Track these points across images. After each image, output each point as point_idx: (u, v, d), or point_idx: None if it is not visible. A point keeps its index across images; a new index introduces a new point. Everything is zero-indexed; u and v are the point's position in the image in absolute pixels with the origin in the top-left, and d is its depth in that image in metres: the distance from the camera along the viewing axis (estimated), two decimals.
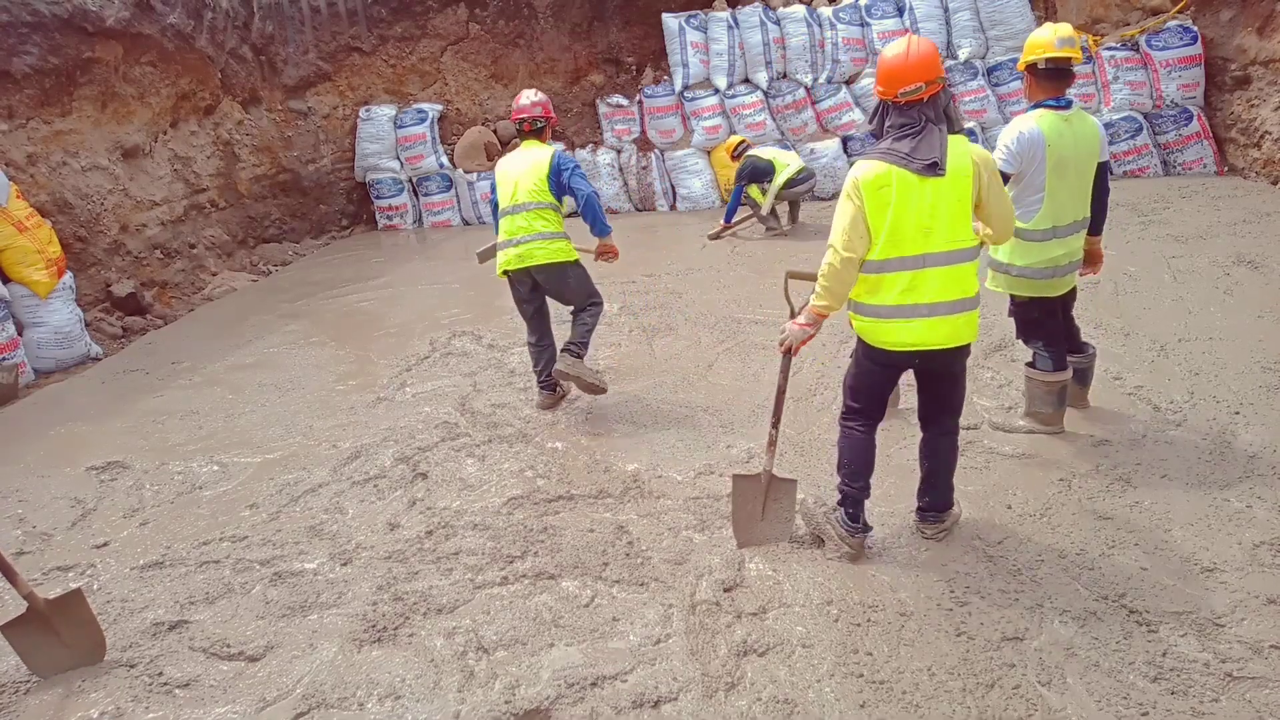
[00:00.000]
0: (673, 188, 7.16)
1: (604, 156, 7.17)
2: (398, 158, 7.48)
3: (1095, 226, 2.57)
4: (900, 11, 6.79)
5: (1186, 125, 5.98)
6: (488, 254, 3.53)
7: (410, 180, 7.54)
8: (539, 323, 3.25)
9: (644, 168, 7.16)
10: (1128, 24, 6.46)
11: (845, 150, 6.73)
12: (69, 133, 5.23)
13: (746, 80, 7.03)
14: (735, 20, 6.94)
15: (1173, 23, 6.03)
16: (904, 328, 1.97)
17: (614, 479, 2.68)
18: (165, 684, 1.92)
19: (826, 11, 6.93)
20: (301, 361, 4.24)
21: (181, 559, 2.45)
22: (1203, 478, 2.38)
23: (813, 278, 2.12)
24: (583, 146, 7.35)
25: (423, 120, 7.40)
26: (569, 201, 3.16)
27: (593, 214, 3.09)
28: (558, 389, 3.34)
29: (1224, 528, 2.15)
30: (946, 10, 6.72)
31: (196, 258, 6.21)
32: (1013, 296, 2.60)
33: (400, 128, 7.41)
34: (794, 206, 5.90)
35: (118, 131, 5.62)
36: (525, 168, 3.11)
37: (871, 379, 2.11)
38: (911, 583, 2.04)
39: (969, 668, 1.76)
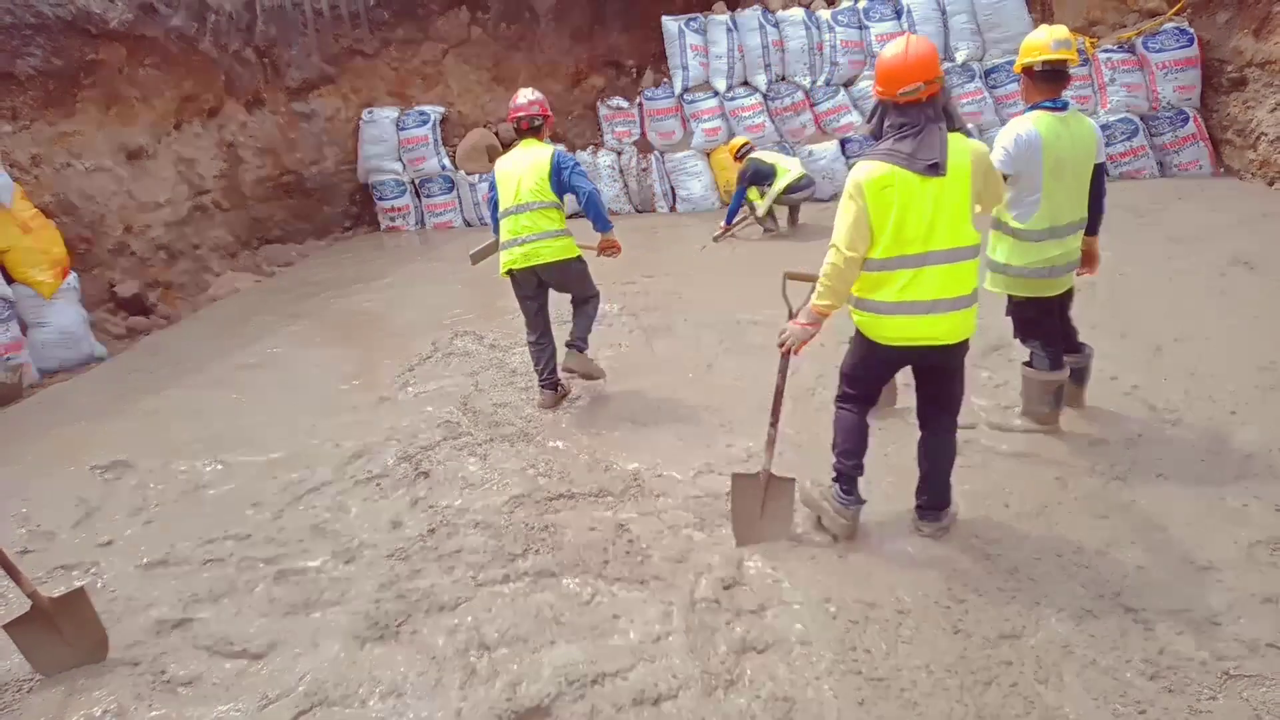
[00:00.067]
0: (672, 189, 7.18)
1: (604, 158, 7.20)
2: (400, 160, 7.51)
3: (1092, 227, 2.58)
4: (898, 14, 6.82)
5: (1183, 127, 6.00)
6: (482, 254, 3.56)
7: (413, 182, 7.56)
8: (541, 320, 3.27)
9: (644, 170, 7.19)
10: (1124, 26, 6.49)
11: (843, 152, 6.76)
12: (73, 134, 5.26)
13: (745, 83, 7.05)
14: (734, 23, 6.97)
15: (1169, 25, 6.05)
16: (904, 323, 1.99)
17: (615, 478, 2.69)
18: (168, 682, 1.93)
19: (825, 14, 6.95)
20: (305, 361, 4.25)
21: (185, 557, 2.47)
22: (1199, 477, 2.40)
23: (811, 278, 2.13)
24: (583, 148, 7.38)
25: (425, 122, 7.43)
26: (570, 200, 3.19)
27: (595, 211, 3.13)
28: (559, 388, 3.36)
29: (1220, 526, 2.16)
30: (944, 13, 6.74)
31: (200, 258, 6.23)
32: (1010, 296, 2.62)
33: (403, 130, 7.44)
34: (793, 210, 5.93)
35: (122, 133, 5.65)
36: (526, 167, 3.13)
37: (868, 369, 2.15)
38: (909, 581, 2.05)
39: (966, 665, 1.77)
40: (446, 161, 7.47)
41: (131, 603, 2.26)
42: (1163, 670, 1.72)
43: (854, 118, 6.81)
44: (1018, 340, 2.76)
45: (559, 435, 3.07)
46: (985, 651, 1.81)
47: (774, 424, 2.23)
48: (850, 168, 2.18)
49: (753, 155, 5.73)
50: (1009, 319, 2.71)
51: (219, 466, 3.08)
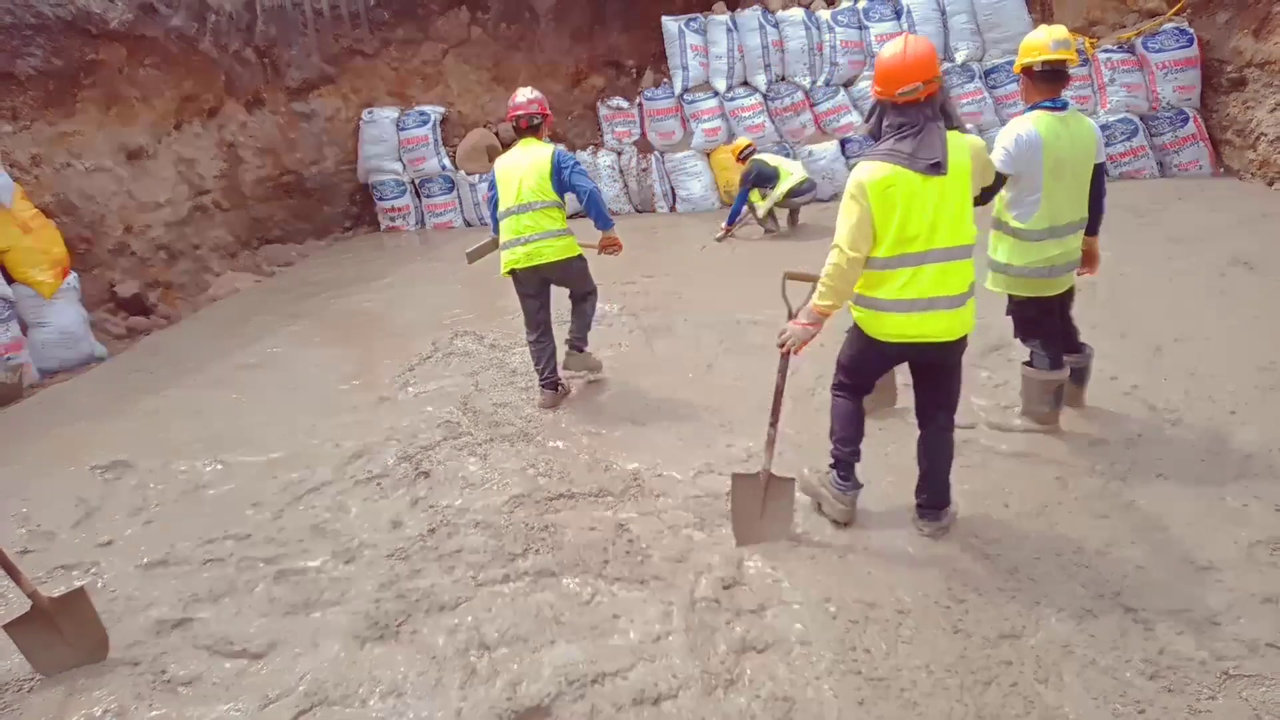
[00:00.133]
0: (672, 190, 7.18)
1: (604, 158, 7.20)
2: (400, 160, 7.51)
3: (1092, 227, 2.58)
4: (898, 14, 6.82)
5: (1183, 127, 6.00)
6: (479, 253, 3.57)
7: (413, 182, 7.56)
8: (542, 319, 3.29)
9: (644, 170, 7.19)
10: (1124, 26, 6.49)
11: (843, 152, 6.76)
12: (73, 134, 5.26)
13: (745, 83, 7.05)
14: (734, 23, 6.97)
15: (1169, 25, 6.06)
16: (903, 320, 2.00)
17: (615, 477, 2.70)
18: (169, 681, 1.93)
19: (825, 14, 6.96)
20: (305, 361, 4.26)
21: (185, 557, 2.47)
22: (1199, 477, 2.40)
23: (811, 278, 2.13)
24: (583, 148, 7.38)
25: (425, 122, 7.43)
26: (570, 199, 3.21)
27: (596, 209, 3.16)
28: (559, 388, 3.36)
29: (1220, 526, 2.16)
30: (944, 13, 6.74)
31: (200, 258, 6.23)
32: (1010, 296, 2.62)
33: (403, 130, 7.44)
34: (794, 210, 5.94)
35: (122, 133, 5.65)
36: (527, 167, 3.14)
37: (865, 362, 2.19)
38: (909, 580, 2.05)
39: (966, 665, 1.77)
40: (446, 161, 7.47)
41: (131, 602, 2.26)
42: (1162, 670, 1.72)
43: (854, 118, 6.81)
44: (1018, 340, 2.76)
45: (559, 435, 3.07)
46: (985, 651, 1.81)
47: (774, 424, 2.23)
48: (850, 168, 2.19)
49: (756, 157, 5.75)
50: (1009, 319, 2.71)
51: (219, 466, 3.08)
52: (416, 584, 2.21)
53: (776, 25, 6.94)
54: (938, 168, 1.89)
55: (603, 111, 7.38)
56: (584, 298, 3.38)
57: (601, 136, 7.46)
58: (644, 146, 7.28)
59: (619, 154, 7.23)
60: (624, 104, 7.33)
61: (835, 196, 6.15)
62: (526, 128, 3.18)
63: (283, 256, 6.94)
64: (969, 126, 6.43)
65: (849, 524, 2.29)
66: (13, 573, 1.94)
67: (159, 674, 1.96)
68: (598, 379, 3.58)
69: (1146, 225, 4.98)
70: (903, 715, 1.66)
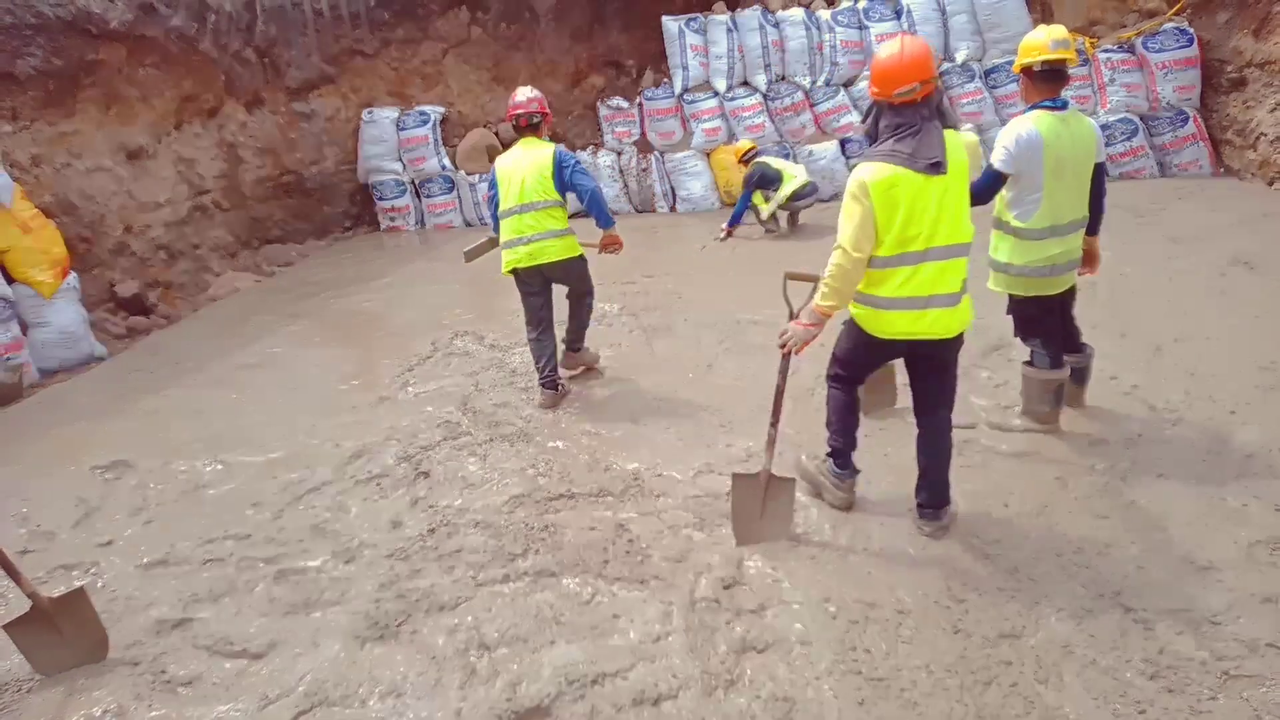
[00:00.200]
0: (672, 189, 7.18)
1: (604, 158, 7.20)
2: (400, 160, 7.50)
3: (1093, 227, 2.58)
4: (898, 14, 6.82)
5: (1183, 127, 5.99)
6: (476, 252, 3.58)
7: (412, 182, 7.56)
8: (544, 315, 3.30)
9: (644, 170, 7.19)
10: (1124, 26, 6.49)
11: (843, 152, 6.76)
12: (73, 134, 5.26)
13: (745, 83, 7.05)
14: (734, 23, 6.97)
15: (1169, 25, 6.05)
16: (901, 318, 2.02)
17: (615, 478, 2.69)
18: (168, 682, 1.93)
19: (825, 14, 6.95)
20: (305, 361, 4.25)
21: (185, 557, 2.47)
22: (1199, 477, 2.40)
23: (812, 279, 2.14)
24: (583, 148, 7.38)
25: (425, 122, 7.43)
26: (571, 199, 3.22)
27: (597, 208, 3.18)
28: (559, 387, 3.37)
29: (1220, 526, 2.16)
30: (944, 13, 6.74)
31: (200, 258, 6.23)
32: (1011, 295, 2.62)
33: (402, 130, 7.44)
34: (794, 212, 5.95)
35: (122, 133, 5.65)
36: (529, 166, 3.14)
37: (860, 355, 2.22)
38: (910, 580, 2.05)
39: (966, 665, 1.77)
40: (446, 161, 7.47)
41: (131, 602, 2.26)
42: (1163, 670, 1.72)
43: (854, 118, 6.81)
44: (1018, 339, 2.76)
45: (559, 435, 3.07)
46: (985, 651, 1.81)
47: (774, 424, 2.23)
48: (850, 168, 2.20)
49: (759, 160, 5.76)
50: (1009, 318, 2.71)
51: (219, 466, 3.08)
52: (416, 584, 2.21)
53: (777, 25, 6.94)
54: (938, 167, 1.90)
55: (603, 111, 7.38)
56: (581, 298, 3.41)
57: (601, 136, 7.45)
58: (644, 146, 7.28)
59: (619, 154, 7.23)
60: (624, 104, 7.32)
61: (835, 196, 6.15)
62: (526, 126, 3.19)
63: (282, 256, 6.94)
64: (968, 126, 6.48)
65: (849, 510, 2.33)
66: (12, 573, 1.94)
67: (159, 674, 1.96)
68: (597, 377, 3.59)
69: (1146, 225, 4.98)
70: (903, 715, 1.66)
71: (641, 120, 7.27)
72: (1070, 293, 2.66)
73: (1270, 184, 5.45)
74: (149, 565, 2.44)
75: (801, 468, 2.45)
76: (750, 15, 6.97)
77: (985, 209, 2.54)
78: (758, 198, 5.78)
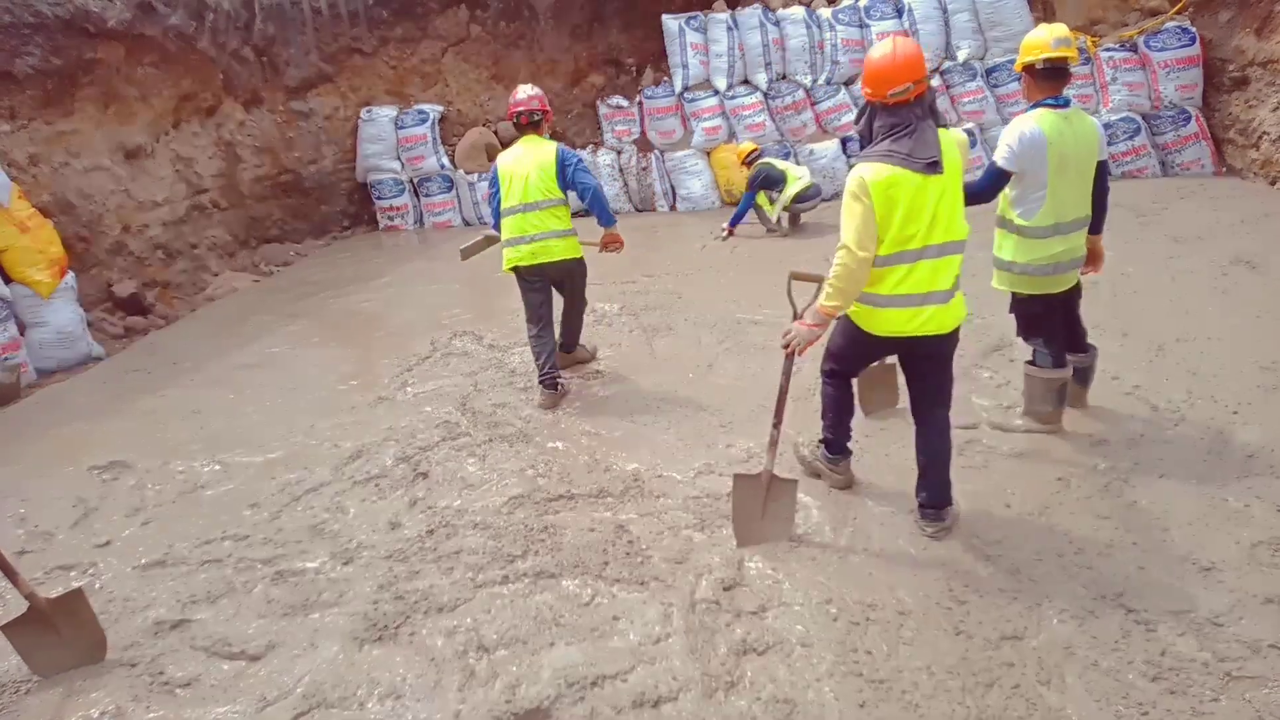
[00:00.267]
0: (673, 188, 7.17)
1: (604, 157, 7.18)
2: (399, 158, 7.49)
3: (1095, 225, 2.58)
4: (899, 13, 6.80)
5: (1185, 126, 5.98)
6: (472, 250, 3.59)
7: (411, 181, 7.55)
8: (544, 312, 3.32)
9: (644, 169, 7.18)
10: (1126, 25, 6.47)
11: (844, 151, 6.75)
12: (71, 133, 5.24)
13: (746, 81, 7.04)
14: (735, 22, 6.95)
15: (1171, 24, 6.04)
16: (897, 315, 2.04)
17: (614, 478, 2.69)
18: (166, 683, 1.93)
19: (826, 13, 6.94)
20: (303, 361, 4.24)
21: (183, 558, 2.46)
22: (1201, 477, 2.39)
23: (817, 279, 2.13)
24: (583, 147, 7.36)
25: (424, 121, 7.42)
26: (573, 198, 3.24)
27: (599, 206, 3.21)
28: (559, 386, 3.36)
29: (1222, 527, 2.16)
30: (945, 11, 6.73)
31: (198, 258, 6.22)
32: (1014, 293, 2.62)
33: (401, 129, 7.42)
34: (796, 213, 5.94)
35: (120, 132, 5.63)
36: (532, 165, 3.15)
37: (856, 352, 2.26)
38: (910, 581, 2.05)
39: (968, 667, 1.76)
40: (445, 160, 7.45)
41: (129, 604, 2.25)
42: (1165, 672, 1.71)
43: (855, 116, 6.80)
44: (1020, 339, 2.75)
45: (558, 435, 3.06)
46: (987, 653, 1.80)
47: (777, 424, 2.22)
48: (851, 168, 2.20)
49: (762, 161, 5.76)
50: (1012, 316, 2.70)
51: (217, 467, 3.07)
52: (415, 585, 2.20)
53: (777, 23, 6.92)
54: (936, 166, 1.92)
55: (602, 110, 7.37)
56: (575, 302, 3.45)
57: (601, 135, 7.44)
58: (644, 145, 7.26)
59: (619, 153, 7.22)
60: (624, 102, 7.31)
61: (837, 195, 6.13)
62: (527, 124, 3.21)
63: (281, 256, 6.93)
64: (970, 125, 6.46)
65: (849, 488, 2.45)
66: (10, 573, 1.93)
67: (156, 675, 1.96)
68: (597, 375, 3.58)
69: (1148, 224, 4.97)
70: (904, 717, 1.66)
71: (641, 119, 7.25)
72: (1075, 292, 2.66)
73: (1272, 183, 5.43)
74: (147, 566, 2.43)
75: (799, 456, 2.55)
76: (751, 13, 6.95)
77: (988, 207, 2.53)
78: (762, 199, 5.78)
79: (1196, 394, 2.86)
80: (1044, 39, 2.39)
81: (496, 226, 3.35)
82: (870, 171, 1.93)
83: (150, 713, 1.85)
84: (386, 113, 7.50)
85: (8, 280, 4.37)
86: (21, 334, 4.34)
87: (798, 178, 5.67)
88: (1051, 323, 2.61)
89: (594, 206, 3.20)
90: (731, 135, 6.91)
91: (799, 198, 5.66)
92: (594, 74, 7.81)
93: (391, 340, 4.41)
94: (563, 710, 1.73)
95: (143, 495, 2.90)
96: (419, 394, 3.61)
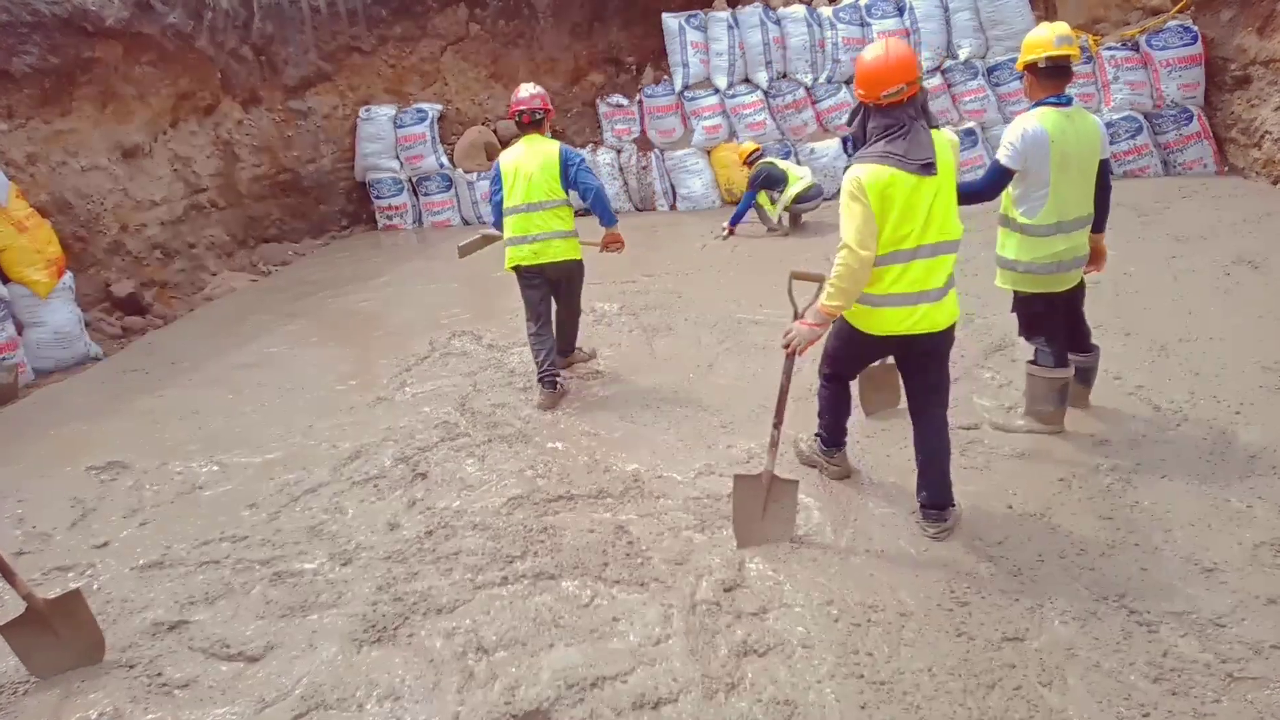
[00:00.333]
0: (673, 187, 7.16)
1: (604, 156, 7.17)
2: (397, 157, 7.48)
3: (1098, 224, 2.57)
4: (900, 11, 6.79)
5: (1187, 125, 5.97)
6: (470, 248, 3.59)
7: (410, 180, 7.54)
8: (544, 310, 3.33)
9: (644, 167, 7.16)
10: (1128, 24, 6.46)
11: (845, 150, 6.73)
12: (69, 132, 5.23)
13: (747, 80, 7.02)
14: (735, 20, 6.94)
15: (1173, 22, 6.03)
16: (893, 315, 2.05)
17: (614, 479, 2.68)
18: (164, 684, 1.92)
19: (826, 11, 6.93)
20: (301, 361, 4.23)
21: (181, 559, 2.45)
22: (1203, 477, 2.38)
23: (818, 278, 2.13)
24: (583, 146, 7.35)
25: (422, 120, 7.40)
26: (574, 198, 3.24)
27: (601, 206, 3.23)
28: (558, 385, 3.36)
29: (1224, 528, 2.15)
30: (946, 10, 6.71)
31: (196, 257, 6.21)
32: (1016, 292, 2.61)
33: (400, 127, 7.41)
34: (796, 213, 5.94)
35: (118, 131, 5.62)
36: (535, 165, 3.16)
37: (852, 353, 2.27)
38: (911, 583, 2.04)
39: (969, 668, 1.76)
40: (444, 159, 7.44)
41: (127, 605, 2.24)
42: (1166, 673, 1.70)
43: None
44: (1022, 338, 2.74)
45: (558, 436, 3.05)
46: (988, 654, 1.79)
47: (778, 425, 2.22)
48: (847, 169, 2.21)
49: (764, 160, 5.75)
50: (1013, 316, 2.70)
51: (215, 467, 3.06)
52: (414, 586, 2.19)
53: (778, 22, 6.91)
54: (930, 168, 1.94)
55: (602, 109, 7.35)
56: (570, 308, 3.46)
57: (601, 134, 7.43)
58: (644, 144, 7.25)
59: (619, 152, 7.21)
60: (624, 101, 7.29)
61: (838, 194, 6.12)
62: (529, 123, 3.21)
63: (279, 255, 6.91)
64: (971, 124, 6.45)
65: (848, 478, 2.51)
66: (8, 574, 1.92)
67: (154, 677, 1.95)
68: (596, 375, 3.58)
69: (1151, 224, 4.96)
70: (905, 719, 1.65)
71: (641, 118, 7.24)
72: (1079, 291, 2.65)
73: (1275, 183, 5.43)
74: (145, 567, 2.42)
75: (798, 451, 2.61)
76: (751, 12, 6.94)
77: (991, 206, 2.52)
78: (763, 198, 5.77)
79: (1199, 394, 2.85)
80: (1046, 37, 2.38)
81: (497, 225, 3.36)
82: (867, 172, 1.94)
83: (148, 714, 1.84)
84: (385, 112, 7.48)
85: (5, 280, 4.35)
86: (19, 334, 4.33)
87: (799, 178, 5.68)
88: (1053, 322, 2.61)
89: (596, 207, 3.21)
90: (732, 134, 6.90)
91: (800, 198, 5.66)
92: (594, 72, 7.79)
93: (390, 340, 4.40)
94: (562, 712, 1.73)
95: (141, 496, 2.89)
96: (418, 394, 3.60)
